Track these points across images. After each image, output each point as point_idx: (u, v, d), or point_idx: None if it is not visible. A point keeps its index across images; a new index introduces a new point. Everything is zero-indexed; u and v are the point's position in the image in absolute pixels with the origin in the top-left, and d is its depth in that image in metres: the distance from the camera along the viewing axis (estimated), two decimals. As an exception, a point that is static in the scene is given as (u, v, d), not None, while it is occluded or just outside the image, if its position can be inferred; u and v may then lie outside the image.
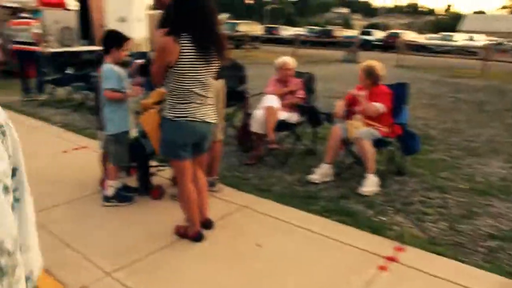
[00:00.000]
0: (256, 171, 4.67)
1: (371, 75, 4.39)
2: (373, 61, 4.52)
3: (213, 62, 2.80)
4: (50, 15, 11.71)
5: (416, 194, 4.11)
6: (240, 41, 27.27)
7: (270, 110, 4.85)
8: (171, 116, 2.80)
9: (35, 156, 4.92)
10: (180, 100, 2.77)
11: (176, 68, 2.68)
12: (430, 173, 4.70)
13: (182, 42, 2.64)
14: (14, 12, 8.81)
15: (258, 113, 4.98)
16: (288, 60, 5.20)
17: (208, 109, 2.90)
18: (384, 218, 3.55)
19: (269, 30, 36.49)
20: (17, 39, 8.39)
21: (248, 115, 5.43)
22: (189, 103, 2.78)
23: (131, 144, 3.76)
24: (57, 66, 8.79)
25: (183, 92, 2.75)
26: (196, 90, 2.77)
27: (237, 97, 5.81)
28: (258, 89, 5.91)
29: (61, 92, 8.45)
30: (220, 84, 3.77)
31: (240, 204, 3.73)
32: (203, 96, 2.83)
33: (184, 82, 2.72)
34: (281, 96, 5.11)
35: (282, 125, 5.01)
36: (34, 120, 6.82)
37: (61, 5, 12.23)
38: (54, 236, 3.14)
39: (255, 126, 4.98)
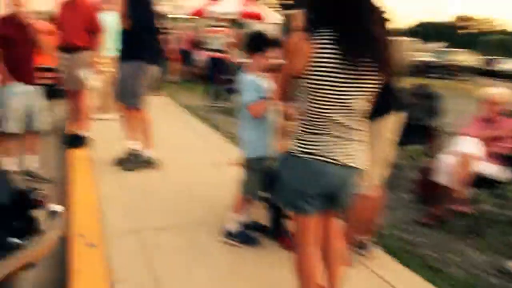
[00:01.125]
0: (432, 237, 3.44)
1: None
2: None
3: (369, 77, 1.81)
4: (252, 26, 12.11)
5: None
6: (449, 70, 25.24)
7: (464, 158, 3.56)
8: (295, 150, 1.91)
9: (186, 167, 4.60)
10: (310, 129, 1.86)
11: (307, 80, 1.79)
12: None
13: (319, 41, 1.74)
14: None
15: (447, 159, 3.72)
16: (497, 92, 3.80)
17: (352, 147, 1.90)
18: None
19: (486, 62, 32.55)
20: (209, 47, 8.58)
21: (434, 159, 4.18)
22: (322, 134, 1.85)
23: (266, 173, 2.99)
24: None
25: (315, 117, 1.83)
26: (336, 116, 1.82)
27: (423, 133, 4.62)
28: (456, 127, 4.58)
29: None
30: (399, 116, 2.72)
31: (394, 287, 2.61)
32: (346, 126, 1.86)
33: (318, 101, 1.80)
34: (485, 141, 3.74)
35: (482, 181, 3.66)
36: (204, 126, 6.68)
37: (258, 18, 12.62)
38: (147, 264, 2.61)
39: (441, 175, 3.74)
